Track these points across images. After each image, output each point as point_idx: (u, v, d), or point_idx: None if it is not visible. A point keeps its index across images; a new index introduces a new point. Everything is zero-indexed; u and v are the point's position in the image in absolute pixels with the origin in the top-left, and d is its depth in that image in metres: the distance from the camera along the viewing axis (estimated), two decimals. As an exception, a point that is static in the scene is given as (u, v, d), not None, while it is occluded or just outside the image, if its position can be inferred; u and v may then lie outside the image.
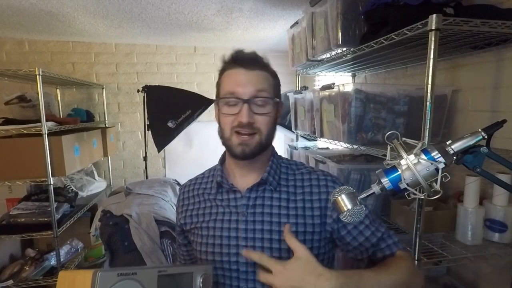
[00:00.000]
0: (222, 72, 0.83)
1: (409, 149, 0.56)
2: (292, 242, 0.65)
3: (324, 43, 1.53)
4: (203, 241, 0.85)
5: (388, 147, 0.58)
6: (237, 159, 0.82)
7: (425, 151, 0.54)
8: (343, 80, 2.23)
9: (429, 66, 0.93)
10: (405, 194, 0.56)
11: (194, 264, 0.95)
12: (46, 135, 1.87)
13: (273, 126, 0.82)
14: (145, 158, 2.81)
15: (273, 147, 0.89)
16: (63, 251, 2.19)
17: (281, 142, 2.89)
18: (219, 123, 0.84)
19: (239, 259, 0.80)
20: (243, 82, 0.77)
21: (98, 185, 2.89)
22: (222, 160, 0.92)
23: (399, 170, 0.55)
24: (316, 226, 0.80)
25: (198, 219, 0.88)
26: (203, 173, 0.97)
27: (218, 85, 0.84)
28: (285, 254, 0.77)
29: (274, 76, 0.84)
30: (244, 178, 0.85)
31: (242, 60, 0.79)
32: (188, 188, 0.96)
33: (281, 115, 0.89)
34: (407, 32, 1.01)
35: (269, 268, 0.64)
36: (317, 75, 2.54)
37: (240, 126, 0.77)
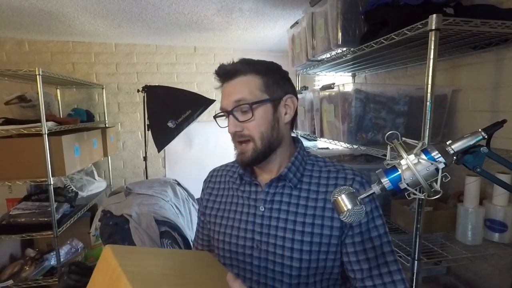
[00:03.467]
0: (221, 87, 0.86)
1: (409, 149, 0.56)
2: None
3: (324, 43, 1.53)
4: (221, 230, 0.87)
5: (388, 147, 0.58)
6: (241, 166, 0.85)
7: (425, 151, 0.54)
8: (343, 80, 2.23)
9: (429, 66, 0.93)
10: (405, 194, 0.56)
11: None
12: (46, 135, 1.87)
13: (268, 128, 0.79)
14: (145, 158, 2.81)
15: (300, 143, 0.88)
16: (63, 251, 2.19)
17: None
18: None
19: (254, 252, 0.81)
20: (225, 95, 0.80)
21: (98, 185, 2.89)
22: None
23: (399, 170, 0.55)
24: (335, 229, 0.76)
25: (220, 207, 0.91)
26: (233, 162, 0.98)
27: None
28: (297, 254, 0.76)
29: (262, 73, 0.79)
30: (263, 174, 0.86)
31: (220, 75, 0.82)
32: (218, 172, 0.99)
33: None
34: (407, 32, 1.01)
35: None
36: (317, 75, 2.54)
37: (233, 137, 0.81)
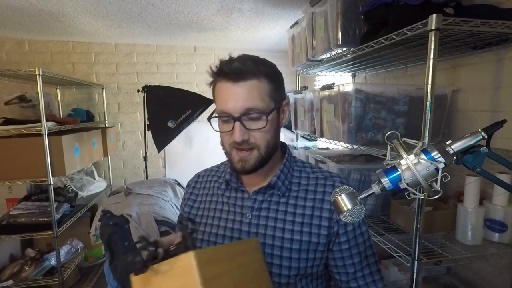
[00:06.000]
0: (213, 82, 0.77)
1: (409, 149, 0.56)
2: None
3: (324, 43, 1.53)
4: (205, 238, 0.84)
5: (388, 147, 0.58)
6: (238, 173, 0.80)
7: (425, 151, 0.54)
8: (343, 80, 2.22)
9: (429, 66, 0.93)
10: (405, 194, 0.56)
11: None
12: (46, 135, 1.87)
13: (273, 136, 0.77)
14: (145, 158, 2.81)
15: (287, 150, 0.85)
16: (63, 251, 2.19)
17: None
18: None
19: None
20: (232, 98, 0.71)
21: (98, 185, 2.89)
22: None
23: (399, 170, 0.55)
24: (322, 237, 0.76)
25: (203, 213, 0.87)
26: (218, 166, 0.95)
27: (214, 96, 0.78)
28: (286, 262, 0.76)
29: (271, 78, 0.74)
30: (251, 181, 0.83)
31: (227, 73, 0.71)
32: (201, 178, 0.94)
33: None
34: (407, 32, 1.01)
35: None
36: (317, 75, 2.54)
37: (236, 144, 0.74)
